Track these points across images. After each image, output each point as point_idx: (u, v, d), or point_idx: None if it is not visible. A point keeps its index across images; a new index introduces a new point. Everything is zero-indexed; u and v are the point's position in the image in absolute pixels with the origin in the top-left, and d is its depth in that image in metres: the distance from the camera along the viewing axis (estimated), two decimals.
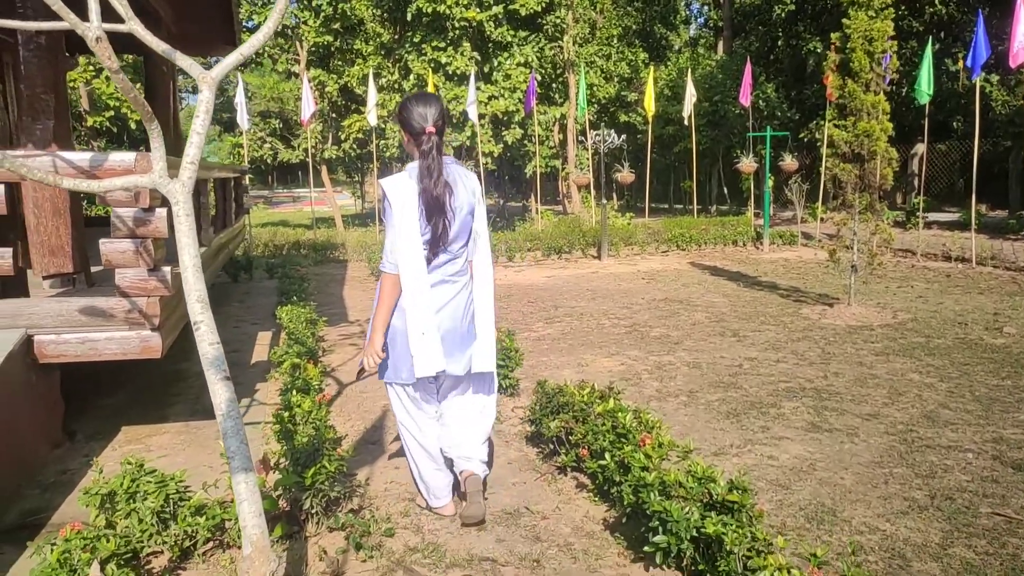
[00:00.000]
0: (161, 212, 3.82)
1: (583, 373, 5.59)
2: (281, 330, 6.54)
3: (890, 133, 7.26)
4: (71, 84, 14.73)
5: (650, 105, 15.28)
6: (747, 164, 14.48)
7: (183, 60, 2.83)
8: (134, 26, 2.69)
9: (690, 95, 15.53)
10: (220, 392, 2.62)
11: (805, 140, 21.17)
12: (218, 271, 7.03)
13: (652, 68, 16.50)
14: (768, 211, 14.02)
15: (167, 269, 3.87)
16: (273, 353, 5.22)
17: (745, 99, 15.22)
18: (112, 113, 15.31)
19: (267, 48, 19.05)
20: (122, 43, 11.19)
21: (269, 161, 21.47)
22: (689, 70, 16.77)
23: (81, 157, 3.72)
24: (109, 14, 2.49)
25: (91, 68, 15.35)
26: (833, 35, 7.32)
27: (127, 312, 3.84)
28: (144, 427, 4.64)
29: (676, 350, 6.26)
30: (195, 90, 36.12)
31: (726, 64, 23.11)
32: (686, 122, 15.84)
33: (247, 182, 13.48)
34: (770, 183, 14.32)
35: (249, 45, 2.79)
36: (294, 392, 4.06)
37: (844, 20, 7.16)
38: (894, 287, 9.28)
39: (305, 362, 5.08)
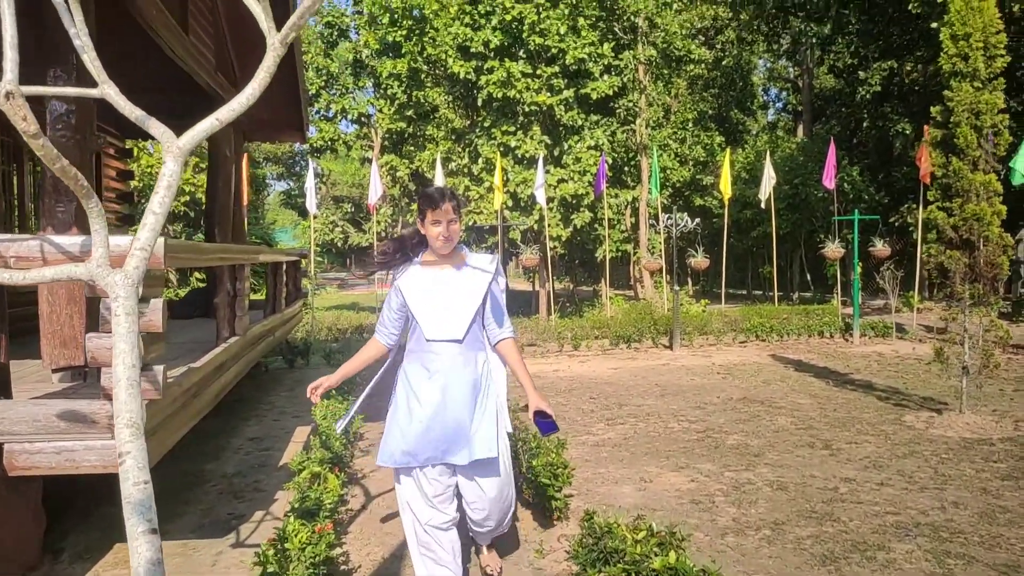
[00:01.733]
0: (157, 304, 3.37)
1: (645, 492, 4.80)
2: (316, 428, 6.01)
3: (1003, 216, 6.38)
4: (149, 169, 15.25)
5: (726, 187, 14.62)
6: (833, 250, 13.52)
7: (156, 127, 2.40)
8: (107, 90, 2.32)
9: (769, 177, 14.81)
10: (141, 550, 2.02)
11: (896, 224, 19.97)
12: (254, 360, 6.61)
13: (729, 150, 15.90)
14: (858, 300, 12.95)
15: (159, 369, 3.39)
16: (293, 460, 4.66)
17: (829, 181, 14.38)
18: (187, 198, 15.69)
19: (343, 135, 19.47)
20: (179, 130, 11.39)
21: (340, 244, 21.67)
22: (768, 152, 16.08)
23: (72, 241, 3.33)
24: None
25: None
26: (933, 109, 6.57)
27: (111, 418, 3.35)
28: None
29: (757, 464, 5.39)
30: (284, 176, 37.54)
31: (807, 146, 22.35)
32: (763, 205, 15.07)
33: (305, 265, 13.38)
34: (858, 270, 13.30)
35: (227, 110, 2.33)
36: (291, 518, 3.45)
37: (946, 92, 6.42)
38: (1009, 390, 8.12)
39: (327, 471, 4.50)
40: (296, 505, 3.78)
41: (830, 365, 10.22)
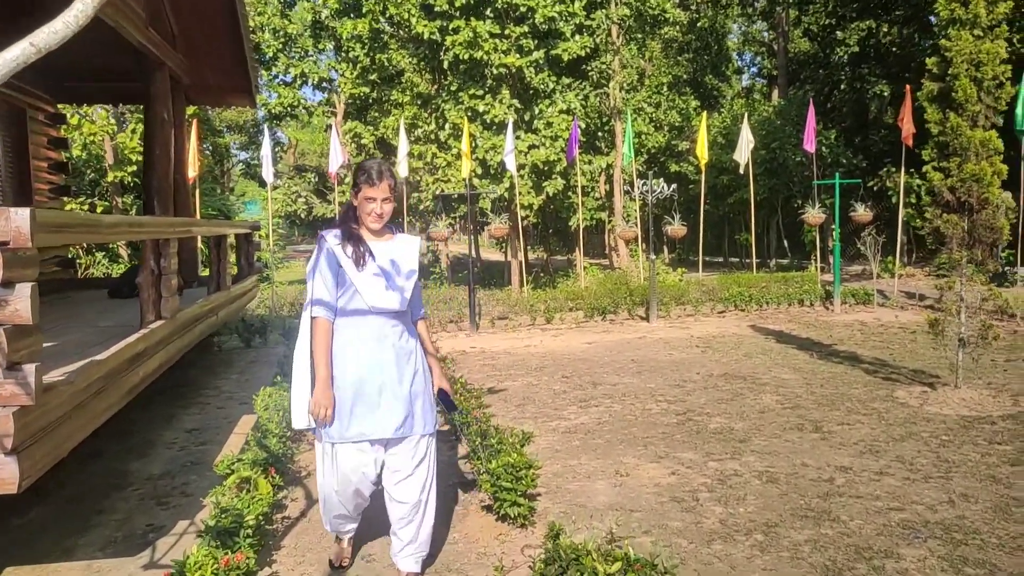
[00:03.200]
0: (24, 290, 2.75)
1: (622, 489, 4.29)
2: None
3: (1003, 176, 5.90)
4: (93, 138, 14.33)
5: (703, 152, 14.08)
6: (814, 215, 13.08)
7: None
8: None
9: (747, 141, 14.28)
10: None
11: (875, 189, 19.61)
12: (189, 345, 5.98)
13: (705, 114, 15.34)
14: (839, 267, 12.55)
15: (30, 368, 2.78)
16: (220, 463, 4.08)
17: (809, 144, 13.90)
18: (135, 168, 14.80)
19: (303, 101, 18.59)
20: (126, 94, 10.61)
21: (304, 216, 20.90)
22: (745, 115, 15.55)
23: None
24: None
25: (112, 122, 14.94)
26: (929, 61, 6.05)
27: None
28: (33, 569, 3.51)
29: (743, 451, 4.91)
30: (248, 146, 36.28)
31: (784, 109, 21.86)
32: (742, 170, 14.56)
33: (264, 237, 12.68)
34: (839, 236, 12.89)
35: (47, 32, 1.75)
36: (200, 543, 2.89)
37: (943, 42, 5.89)
38: (1001, 360, 7.75)
39: (259, 475, 3.93)
40: (211, 523, 3.21)
41: (812, 335, 9.81)
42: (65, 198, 10.06)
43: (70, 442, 3.31)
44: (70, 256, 10.32)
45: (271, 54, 17.97)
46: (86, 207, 14.55)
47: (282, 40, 18.19)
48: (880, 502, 3.99)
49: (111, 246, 14.83)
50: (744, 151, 14.25)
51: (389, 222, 3.17)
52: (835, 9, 24.25)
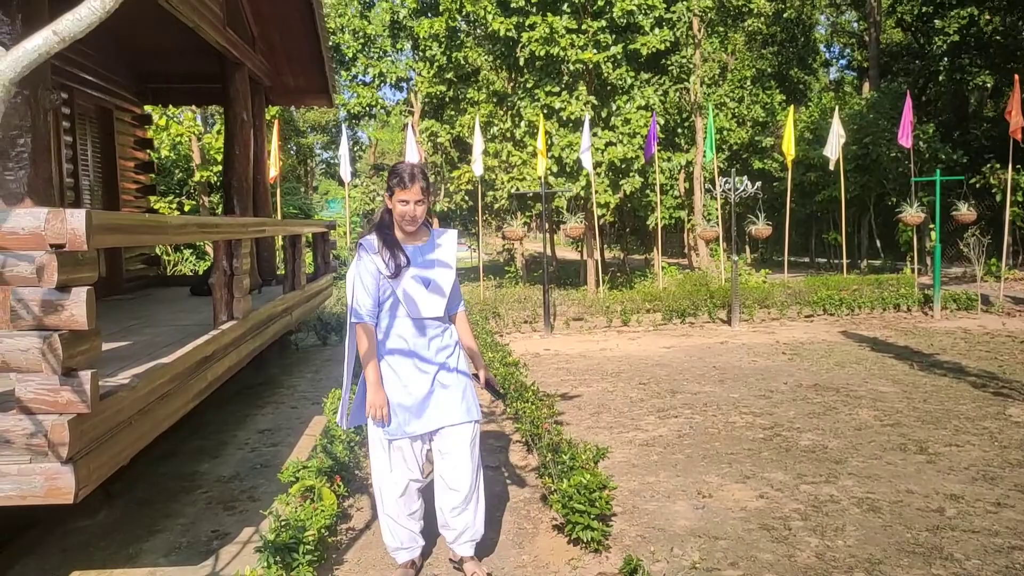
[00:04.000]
0: (80, 294, 2.66)
1: (704, 512, 3.98)
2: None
3: None
4: (179, 139, 14.76)
5: (789, 148, 13.41)
6: (912, 215, 12.25)
7: None
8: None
9: (838, 136, 13.53)
10: None
11: (977, 186, 18.38)
12: (262, 346, 5.95)
13: (792, 108, 14.63)
14: (939, 269, 11.73)
15: (86, 375, 2.69)
16: (285, 469, 3.97)
17: (905, 139, 13.06)
18: (219, 167, 15.18)
19: (380, 101, 18.73)
20: (209, 95, 10.81)
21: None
22: (836, 108, 14.76)
23: None
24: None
25: (199, 124, 15.36)
26: None
27: (29, 437, 2.67)
28: (98, 574, 3.47)
29: (839, 474, 4.51)
30: (330, 145, 37.02)
31: (878, 102, 20.73)
32: (832, 167, 13.81)
33: (341, 235, 12.76)
34: (939, 236, 12.06)
35: (70, 20, 1.59)
36: (258, 562, 2.75)
37: None
38: None
39: (323, 484, 3.80)
40: (271, 537, 3.08)
41: (911, 344, 9.15)
42: (153, 197, 10.34)
43: (131, 449, 3.24)
44: (155, 254, 10.59)
45: (351, 55, 18.17)
46: (174, 206, 15.02)
47: (361, 41, 18.38)
48: (999, 539, 3.55)
49: (198, 243, 15.30)
50: (835, 146, 13.51)
51: (425, 222, 3.25)
52: None
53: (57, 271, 2.58)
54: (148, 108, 10.21)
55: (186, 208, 15.33)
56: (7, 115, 3.85)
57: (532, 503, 4.15)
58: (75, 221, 2.64)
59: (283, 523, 3.20)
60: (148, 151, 10.06)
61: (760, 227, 12.92)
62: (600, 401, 6.61)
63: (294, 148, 35.45)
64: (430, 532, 3.50)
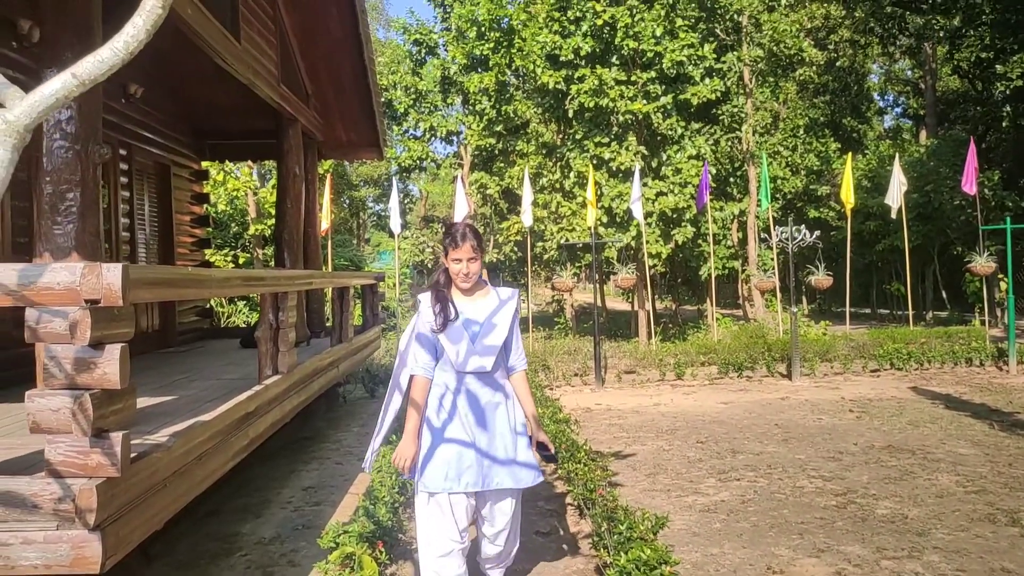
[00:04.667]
0: (114, 351, 2.56)
1: None
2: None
3: None
4: (236, 193, 15.10)
5: (848, 196, 13.03)
6: (983, 264, 11.69)
7: None
8: None
9: (899, 183, 13.10)
10: None
11: None
12: (307, 401, 5.84)
13: (850, 155, 14.24)
14: (1013, 321, 11.10)
15: (117, 437, 2.57)
16: (325, 534, 3.78)
17: (970, 186, 12.57)
18: (273, 221, 15.47)
19: (431, 154, 18.97)
20: (264, 151, 11.01)
21: (430, 265, 21.18)
22: (896, 155, 14.33)
23: (6, 271, 2.56)
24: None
25: (255, 178, 15.72)
26: None
27: (57, 502, 2.55)
28: None
29: (923, 548, 4.10)
30: (381, 198, 37.61)
31: (938, 149, 20.16)
32: (894, 215, 13.34)
33: (391, 287, 12.76)
34: (1011, 286, 11.45)
35: (91, 62, 1.48)
36: None
37: None
38: None
39: (364, 551, 3.59)
40: None
41: (988, 401, 8.58)
42: (208, 250, 10.50)
43: (165, 513, 3.10)
44: (209, 306, 10.70)
45: (402, 110, 18.50)
46: (229, 258, 15.30)
47: (413, 96, 18.72)
48: None
49: (251, 295, 15.51)
50: (896, 194, 13.08)
51: (489, 278, 3.47)
52: (993, 42, 22.33)
53: (91, 328, 2.48)
54: (205, 164, 10.43)
55: (241, 260, 15.60)
56: (58, 170, 3.87)
57: (586, 575, 3.86)
58: (111, 276, 2.55)
59: None
60: (204, 205, 10.25)
61: (820, 277, 12.49)
62: (656, 461, 6.28)
63: (347, 201, 36.19)
64: None
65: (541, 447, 3.36)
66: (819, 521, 4.59)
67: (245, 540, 4.62)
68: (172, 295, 3.50)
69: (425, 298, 3.30)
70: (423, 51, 18.99)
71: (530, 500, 5.19)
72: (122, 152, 7.76)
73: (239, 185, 14.99)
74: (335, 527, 3.84)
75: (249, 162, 15.38)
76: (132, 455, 2.94)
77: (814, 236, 11.11)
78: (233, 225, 15.99)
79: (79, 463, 2.52)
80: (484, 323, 3.26)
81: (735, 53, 15.97)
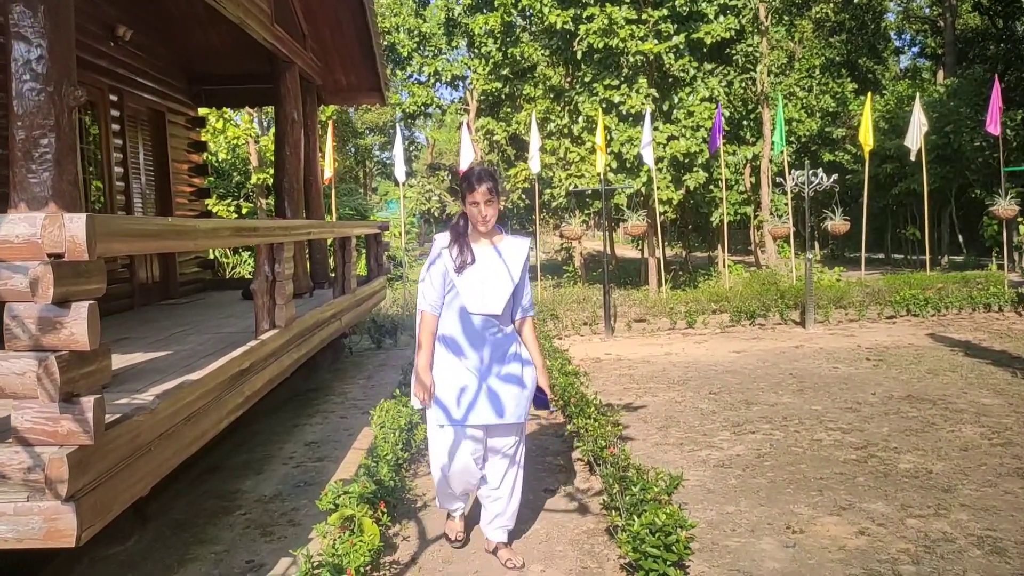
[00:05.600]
0: (81, 309, 2.34)
1: (796, 551, 3.47)
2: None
3: None
4: (237, 142, 14.77)
5: (867, 138, 12.59)
6: (1005, 207, 11.32)
7: None
8: None
9: (919, 124, 12.65)
10: None
11: None
12: (307, 355, 5.65)
13: (869, 95, 13.73)
14: None
15: (88, 402, 2.37)
16: (325, 495, 3.62)
17: (994, 126, 12.14)
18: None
19: (436, 100, 18.50)
20: (261, 96, 10.65)
21: (437, 214, 20.89)
22: (917, 95, 13.81)
23: None
24: None
25: (255, 126, 15.35)
26: None
27: (27, 472, 2.37)
28: None
29: (950, 505, 3.92)
30: (387, 146, 37.18)
31: (959, 89, 19.51)
32: (913, 157, 12.92)
33: (388, 237, 12.51)
34: None
35: None
36: None
37: None
38: None
39: (365, 514, 3.44)
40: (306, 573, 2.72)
41: (1009, 348, 8.35)
42: (210, 200, 10.25)
43: (150, 478, 2.93)
44: (211, 257, 10.51)
45: (406, 54, 17.99)
46: (231, 208, 15.06)
47: (416, 39, 18.18)
48: None
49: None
50: (916, 136, 12.64)
51: (499, 223, 3.43)
52: None
53: (53, 284, 2.26)
54: (203, 111, 10.11)
55: (244, 210, 15.36)
56: (30, 113, 3.61)
57: (596, 536, 3.70)
58: (74, 227, 2.32)
59: (315, 564, 2.84)
60: (203, 154, 9.96)
61: (837, 222, 12.15)
62: (667, 413, 6.11)
63: (352, 149, 35.71)
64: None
65: (539, 394, 3.50)
66: (839, 476, 4.42)
67: (245, 498, 4.50)
68: (151, 247, 3.29)
69: (442, 238, 3.39)
70: None
71: (538, 455, 5.04)
72: (113, 98, 7.45)
73: (239, 133, 14.65)
74: (335, 488, 3.68)
75: (249, 109, 15.00)
76: (113, 418, 2.76)
77: (831, 180, 10.73)
78: (235, 174, 15.70)
79: (48, 430, 2.34)
80: (498, 268, 3.34)
81: None
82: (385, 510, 3.70)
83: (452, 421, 3.31)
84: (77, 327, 2.32)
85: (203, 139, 10.11)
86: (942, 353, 8.23)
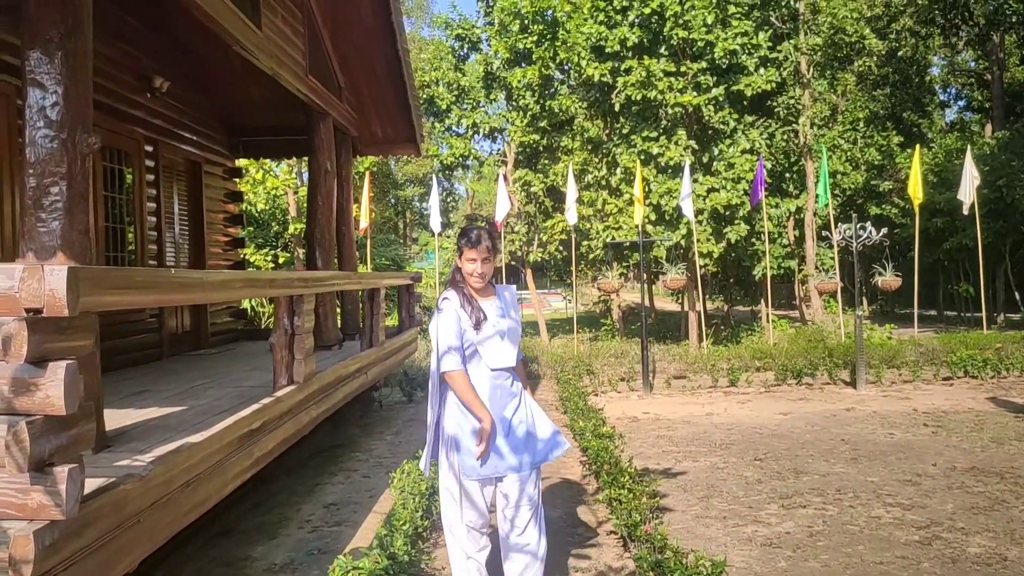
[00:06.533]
0: (59, 370, 2.14)
1: None
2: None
3: None
4: (276, 192, 14.90)
5: (916, 191, 12.17)
6: None
7: None
8: None
9: (971, 177, 12.23)
10: None
11: None
12: (328, 412, 5.42)
13: (918, 147, 13.33)
14: None
15: (63, 472, 2.15)
16: (331, 571, 3.33)
17: None
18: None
19: (474, 152, 18.56)
20: (298, 147, 10.70)
21: None
22: (968, 148, 13.37)
23: None
24: None
25: (294, 176, 15.51)
26: None
27: None
28: None
29: None
30: (425, 197, 37.64)
31: (1011, 141, 18.94)
32: (966, 211, 12.43)
33: (420, 288, 12.37)
34: None
35: None
36: None
37: None
38: None
39: None
40: None
41: None
42: (247, 250, 10.23)
43: (140, 552, 2.68)
44: (243, 307, 10.45)
45: (444, 106, 18.13)
46: (269, 258, 15.12)
47: (455, 93, 18.34)
48: None
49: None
50: (968, 189, 12.20)
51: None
52: None
53: (27, 342, 2.07)
54: (241, 162, 10.16)
55: (281, 260, 15.42)
56: (42, 161, 3.50)
57: None
58: (55, 280, 2.13)
59: None
60: (238, 204, 9.98)
61: (888, 278, 11.67)
62: (709, 481, 5.70)
63: (392, 200, 36.09)
64: None
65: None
66: (902, 562, 3.98)
67: (255, 567, 4.22)
68: (148, 301, 3.10)
69: (454, 300, 3.32)
70: (466, 46, 18.57)
71: (566, 526, 4.69)
72: (148, 148, 7.49)
73: (278, 184, 14.78)
74: (343, 563, 3.39)
75: (287, 161, 15.17)
76: (100, 484, 2.55)
77: (881, 233, 10.31)
78: (274, 224, 15.82)
79: (16, 503, 2.11)
80: (503, 319, 3.37)
81: (791, 41, 15.15)
82: None
83: (477, 475, 3.28)
84: (53, 389, 2.11)
85: (240, 189, 10.15)
86: (1006, 419, 7.66)
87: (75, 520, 2.23)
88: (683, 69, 14.02)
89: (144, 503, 2.70)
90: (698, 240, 13.51)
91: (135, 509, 2.63)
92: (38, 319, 2.11)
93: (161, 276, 3.01)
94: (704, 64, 13.96)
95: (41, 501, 2.12)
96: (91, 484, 2.59)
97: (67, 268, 2.13)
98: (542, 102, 16.34)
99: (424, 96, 17.78)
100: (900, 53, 26.04)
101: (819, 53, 16.94)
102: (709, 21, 13.60)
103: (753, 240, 15.35)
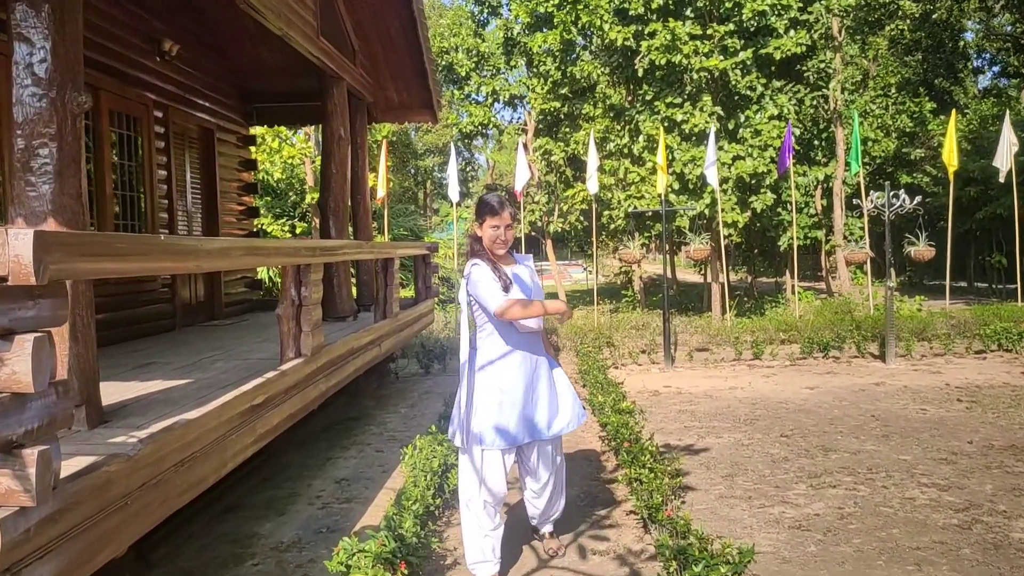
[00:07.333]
0: (26, 343, 1.96)
1: None
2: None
3: None
4: (293, 162, 14.71)
5: (951, 158, 11.70)
6: None
7: None
8: None
9: (1009, 143, 11.72)
10: None
11: None
12: (338, 386, 5.26)
13: (954, 113, 12.80)
14: None
15: (31, 455, 1.98)
16: (336, 553, 3.17)
17: None
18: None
19: (494, 120, 18.22)
20: (311, 114, 10.50)
21: None
22: (1007, 114, 12.83)
23: None
24: None
25: (311, 144, 15.29)
26: None
27: None
28: None
29: None
30: (443, 168, 37.39)
31: None
32: (1002, 178, 11.95)
33: (438, 259, 12.16)
34: None
35: None
36: None
37: None
38: None
39: (382, 574, 2.98)
40: None
41: None
42: (263, 219, 10.09)
43: (126, 537, 2.52)
44: (258, 277, 10.33)
45: (464, 73, 17.78)
46: (286, 228, 14.99)
47: (475, 59, 17.97)
48: None
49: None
50: (1006, 156, 11.71)
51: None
52: None
53: None
54: (255, 129, 9.96)
55: (298, 230, 15.29)
56: (30, 121, 3.32)
57: None
58: (19, 245, 1.94)
59: None
60: (252, 172, 9.80)
61: (921, 248, 11.27)
62: (733, 458, 5.49)
63: (412, 170, 35.86)
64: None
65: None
66: (940, 547, 3.75)
67: (261, 544, 4.09)
68: (133, 268, 2.92)
69: (482, 267, 3.32)
70: (486, 11, 18.16)
71: (585, 505, 4.51)
72: (157, 114, 7.30)
73: (295, 152, 14.59)
74: (348, 545, 3.22)
75: (307, 129, 14.95)
76: (84, 465, 2.39)
77: (914, 202, 9.91)
78: (291, 194, 15.66)
79: None
80: (527, 286, 3.42)
81: (823, 3, 14.58)
82: (406, 572, 3.24)
83: (499, 444, 3.31)
84: (20, 365, 1.93)
85: (254, 157, 9.97)
86: None
87: (49, 506, 2.06)
88: (709, 32, 13.55)
89: (132, 484, 2.54)
90: (722, 210, 13.15)
91: (121, 491, 2.47)
92: (2, 287, 1.93)
93: (147, 243, 2.83)
94: (731, 27, 13.48)
95: (8, 486, 1.95)
96: (78, 464, 2.45)
97: (32, 232, 1.94)
98: (563, 68, 15.95)
99: (443, 63, 17.44)
100: (934, 16, 25.13)
101: (851, 16, 16.34)
102: None
103: (779, 209, 14.96)
